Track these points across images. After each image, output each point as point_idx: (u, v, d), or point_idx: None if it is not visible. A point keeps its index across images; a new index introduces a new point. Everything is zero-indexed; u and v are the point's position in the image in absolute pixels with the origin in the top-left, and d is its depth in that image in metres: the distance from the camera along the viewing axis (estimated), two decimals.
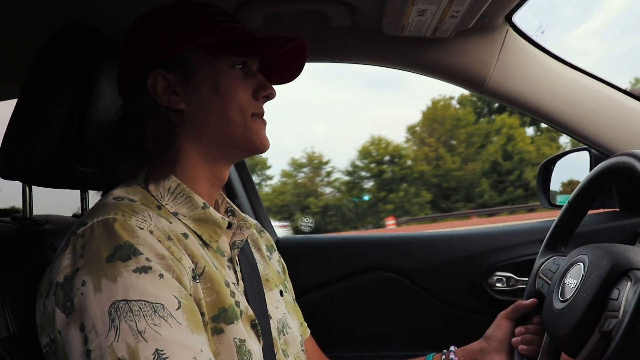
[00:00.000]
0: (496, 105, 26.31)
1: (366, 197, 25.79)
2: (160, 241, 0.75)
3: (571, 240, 1.07)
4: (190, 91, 0.87)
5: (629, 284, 0.75)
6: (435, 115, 27.09)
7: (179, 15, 0.88)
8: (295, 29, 1.35)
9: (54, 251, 0.79)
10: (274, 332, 0.91)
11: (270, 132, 0.93)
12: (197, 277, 0.77)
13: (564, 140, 25.72)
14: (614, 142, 1.37)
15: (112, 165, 0.88)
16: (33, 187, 1.00)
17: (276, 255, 1.10)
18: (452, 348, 1.10)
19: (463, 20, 1.20)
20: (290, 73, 1.01)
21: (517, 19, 1.32)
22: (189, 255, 0.78)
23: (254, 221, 1.06)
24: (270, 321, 0.91)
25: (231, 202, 0.99)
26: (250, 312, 0.83)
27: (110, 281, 0.69)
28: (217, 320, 0.77)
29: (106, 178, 0.91)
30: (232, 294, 0.81)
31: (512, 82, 1.37)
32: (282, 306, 0.99)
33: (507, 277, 1.53)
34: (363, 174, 26.82)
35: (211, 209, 0.86)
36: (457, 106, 27.80)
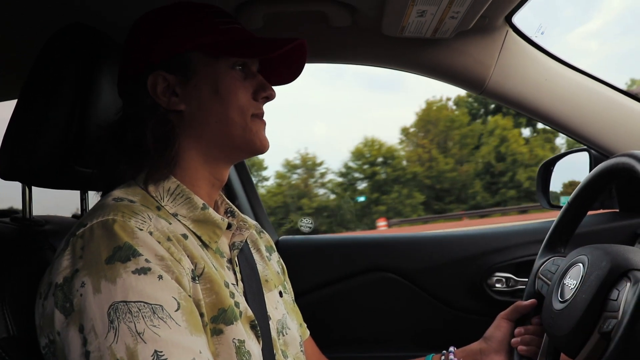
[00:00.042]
0: (492, 106, 26.37)
1: (360, 199, 25.81)
2: (159, 242, 0.75)
3: (571, 240, 1.07)
4: (190, 92, 0.87)
5: (628, 284, 0.75)
6: (429, 116, 27.13)
7: (179, 16, 0.88)
8: (295, 30, 1.36)
9: (54, 252, 0.79)
10: (274, 333, 0.91)
11: (269, 132, 0.93)
12: (197, 278, 0.77)
13: (560, 141, 25.84)
14: (614, 143, 1.37)
15: (111, 165, 0.88)
16: (32, 187, 1.00)
17: (275, 255, 1.10)
18: (451, 349, 1.10)
19: (463, 21, 1.20)
20: (290, 74, 1.01)
21: (517, 19, 1.32)
22: (188, 256, 0.78)
23: (254, 222, 1.06)
24: (270, 322, 0.91)
25: (231, 203, 0.99)
26: (250, 312, 0.83)
27: (110, 282, 0.69)
28: (217, 321, 0.77)
29: (106, 179, 0.91)
30: (232, 295, 0.81)
31: (511, 82, 1.37)
32: (282, 307, 0.99)
33: (507, 278, 1.53)
34: (356, 175, 26.90)
35: (211, 210, 0.86)
36: (454, 107, 27.89)
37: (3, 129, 0.95)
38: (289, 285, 1.10)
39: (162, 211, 0.83)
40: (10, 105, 0.96)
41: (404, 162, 26.62)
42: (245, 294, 0.88)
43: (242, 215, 0.98)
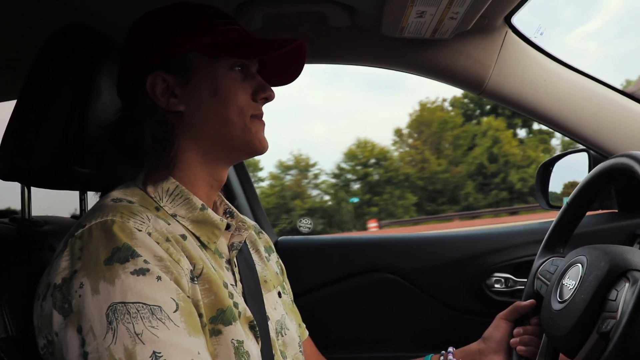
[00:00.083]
0: (488, 107, 26.39)
1: (353, 200, 25.81)
2: (158, 243, 0.75)
3: (570, 241, 1.07)
4: (189, 93, 0.87)
5: (627, 284, 0.75)
6: (422, 117, 27.15)
7: (180, 16, 0.88)
8: (295, 30, 1.36)
9: (53, 252, 0.79)
10: (272, 334, 0.91)
11: (268, 133, 0.94)
12: (195, 279, 0.77)
13: (555, 142, 25.88)
14: (613, 144, 1.37)
15: (110, 166, 0.88)
16: (30, 188, 1.00)
17: (274, 256, 1.10)
18: (450, 349, 1.11)
19: (462, 21, 1.20)
20: (289, 75, 1.01)
21: (516, 20, 1.32)
22: (187, 257, 0.78)
23: (253, 222, 1.06)
24: (269, 322, 0.91)
25: (229, 204, 0.99)
26: (249, 313, 0.83)
27: (108, 283, 0.69)
28: (215, 321, 0.77)
29: (105, 179, 0.91)
30: (231, 295, 0.81)
31: (511, 83, 1.37)
32: (281, 307, 0.99)
33: (506, 278, 1.53)
34: (349, 176, 26.91)
35: (209, 211, 0.86)
36: (450, 108, 27.92)
37: (2, 129, 0.95)
38: (287, 286, 1.10)
39: (161, 212, 0.83)
40: (9, 106, 0.96)
41: (397, 164, 26.64)
42: (244, 295, 0.88)
43: (241, 215, 0.98)
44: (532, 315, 1.04)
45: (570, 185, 1.61)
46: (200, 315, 0.76)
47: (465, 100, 27.27)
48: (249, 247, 1.00)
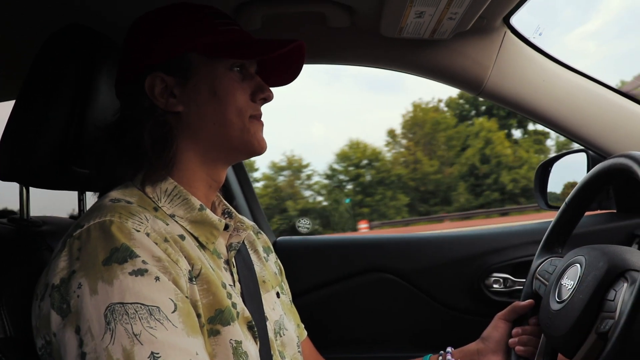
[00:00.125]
0: (483, 107, 26.41)
1: (347, 200, 25.82)
2: (156, 243, 0.75)
3: (568, 241, 1.07)
4: (188, 93, 0.87)
5: (625, 285, 0.75)
6: (415, 118, 27.17)
7: (180, 16, 0.89)
8: (294, 31, 1.36)
9: (51, 252, 0.79)
10: (271, 334, 0.91)
11: (266, 133, 0.94)
12: (194, 279, 0.77)
13: (550, 143, 25.92)
14: (611, 144, 1.38)
15: (109, 166, 0.88)
16: (29, 188, 1.00)
17: (273, 256, 1.10)
18: (449, 349, 1.11)
19: (461, 22, 1.20)
20: (288, 75, 1.01)
21: (515, 20, 1.33)
22: (185, 257, 0.78)
23: (251, 223, 1.06)
24: (267, 323, 0.91)
25: (228, 204, 0.99)
26: (247, 313, 0.83)
27: (107, 284, 0.69)
28: (214, 321, 0.77)
29: (103, 179, 0.91)
30: (229, 296, 0.81)
31: (509, 84, 1.37)
32: (279, 308, 0.99)
33: (505, 278, 1.53)
34: (342, 177, 26.91)
35: (208, 211, 0.86)
36: (445, 109, 27.92)
37: (1, 130, 0.95)
38: (286, 286, 1.10)
39: (159, 212, 0.83)
40: (8, 106, 0.96)
41: (389, 164, 26.64)
42: (242, 295, 0.88)
43: (240, 216, 0.98)
44: (531, 315, 1.04)
45: (570, 185, 1.61)
46: (198, 316, 0.76)
47: (461, 101, 27.29)
48: (247, 247, 1.00)
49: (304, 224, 2.14)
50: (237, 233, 0.94)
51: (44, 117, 0.92)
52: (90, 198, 0.94)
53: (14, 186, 1.00)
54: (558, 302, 0.87)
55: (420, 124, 26.90)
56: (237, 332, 0.79)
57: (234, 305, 0.81)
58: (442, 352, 1.12)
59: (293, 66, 0.99)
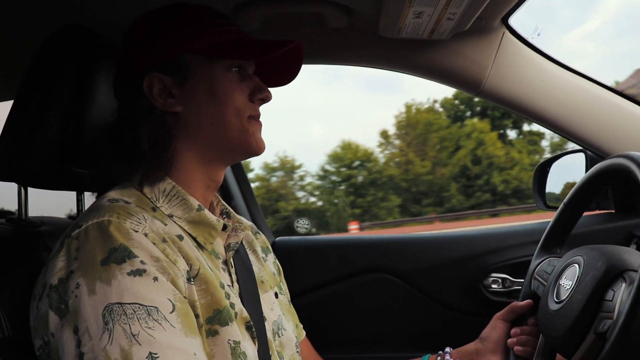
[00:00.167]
0: (478, 108, 26.42)
1: (345, 200, 25.81)
2: (155, 244, 0.75)
3: (567, 241, 1.07)
4: (187, 94, 0.86)
5: (623, 285, 0.75)
6: (408, 119, 27.18)
7: (179, 16, 0.88)
8: (292, 31, 1.36)
9: (50, 253, 0.79)
10: (269, 334, 0.91)
11: (264, 134, 0.94)
12: (192, 279, 0.77)
13: (544, 144, 25.96)
14: (610, 144, 1.38)
15: (107, 167, 0.88)
16: (27, 188, 1.00)
17: (271, 256, 1.10)
18: (447, 349, 1.11)
19: (460, 22, 1.21)
20: (286, 75, 1.01)
21: (513, 21, 1.33)
22: (183, 257, 0.78)
23: (250, 223, 1.06)
24: (265, 323, 0.91)
25: (226, 204, 0.99)
26: (245, 313, 0.83)
27: (105, 284, 0.69)
28: (212, 322, 0.77)
29: (102, 180, 0.90)
30: (227, 296, 0.81)
31: (508, 84, 1.37)
32: (277, 308, 0.99)
33: (503, 279, 1.54)
34: (334, 178, 26.89)
35: (206, 211, 0.86)
36: (441, 109, 27.90)
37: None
38: (284, 286, 1.10)
39: (158, 212, 0.83)
40: (7, 106, 0.96)
41: (381, 165, 26.63)
42: (240, 295, 0.88)
43: (238, 216, 0.98)
44: (529, 315, 1.04)
45: (570, 186, 1.61)
46: (196, 316, 0.76)
47: (456, 102, 27.30)
48: (245, 247, 1.00)
49: (302, 224, 2.14)
50: (235, 233, 0.93)
51: (43, 117, 0.92)
52: (89, 198, 0.94)
53: (13, 186, 1.00)
54: (556, 302, 0.87)
55: (412, 125, 26.91)
56: (236, 332, 0.79)
57: (232, 305, 0.81)
58: (440, 352, 1.12)
59: (292, 67, 0.99)
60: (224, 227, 0.89)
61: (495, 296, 1.54)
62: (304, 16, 1.30)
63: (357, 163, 26.56)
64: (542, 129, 25.60)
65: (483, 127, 25.31)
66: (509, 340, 1.03)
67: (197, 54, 0.86)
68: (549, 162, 1.62)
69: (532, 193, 1.64)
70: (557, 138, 24.76)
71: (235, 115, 0.87)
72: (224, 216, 0.97)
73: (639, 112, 1.37)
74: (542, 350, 0.96)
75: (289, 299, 1.11)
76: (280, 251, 1.59)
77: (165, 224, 0.80)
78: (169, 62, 0.86)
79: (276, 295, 1.01)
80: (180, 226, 0.83)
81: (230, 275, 0.89)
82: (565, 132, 1.41)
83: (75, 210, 1.13)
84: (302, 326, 1.12)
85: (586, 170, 1.39)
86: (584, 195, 1.00)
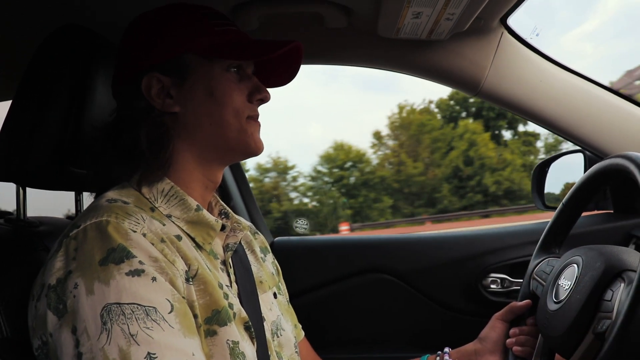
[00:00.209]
0: (473, 109, 26.43)
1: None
2: (153, 244, 0.75)
3: (565, 241, 1.07)
4: (185, 94, 0.86)
5: (622, 285, 0.75)
6: (401, 120, 27.19)
7: (179, 16, 0.88)
8: (291, 31, 1.36)
9: (48, 253, 0.79)
10: (268, 334, 0.91)
11: (263, 134, 0.94)
12: (190, 279, 0.77)
13: (539, 144, 25.98)
14: (608, 144, 1.38)
15: (106, 167, 0.88)
16: (26, 188, 1.00)
17: (270, 257, 1.10)
18: (446, 349, 1.11)
19: (458, 22, 1.21)
20: (285, 76, 1.01)
21: (512, 21, 1.33)
22: (182, 258, 0.78)
23: (248, 223, 1.05)
24: (264, 323, 0.91)
25: (225, 205, 0.99)
26: (244, 314, 0.83)
27: (103, 284, 0.69)
28: (210, 322, 0.77)
29: (100, 180, 0.90)
30: (226, 296, 0.81)
31: (507, 84, 1.37)
32: (276, 308, 0.99)
33: (502, 279, 1.54)
34: (326, 179, 26.87)
35: (204, 211, 0.86)
36: (436, 110, 27.89)
37: None
38: (283, 287, 1.10)
39: (156, 212, 0.83)
40: (5, 106, 0.96)
41: (373, 166, 26.61)
42: (239, 296, 0.88)
43: (236, 216, 0.98)
44: (528, 315, 1.04)
45: (570, 186, 1.61)
46: (195, 316, 0.76)
47: (451, 102, 27.29)
48: (244, 247, 1.00)
49: (301, 225, 2.13)
50: (233, 234, 0.93)
51: (41, 117, 0.92)
52: (88, 198, 0.94)
53: (11, 187, 1.00)
54: (555, 303, 0.87)
55: (405, 126, 26.91)
56: (234, 332, 0.79)
57: (230, 305, 0.81)
58: (439, 352, 1.12)
59: (291, 67, 0.99)
60: (223, 228, 0.89)
61: (494, 296, 1.54)
62: (303, 16, 1.30)
63: (349, 164, 26.54)
64: (537, 130, 25.70)
65: (475, 128, 25.28)
66: (508, 341, 1.03)
67: (197, 54, 0.86)
68: (548, 163, 1.62)
69: (531, 193, 1.64)
70: (551, 139, 24.86)
71: (234, 116, 0.87)
72: (223, 216, 0.97)
73: (637, 112, 1.37)
74: (541, 350, 0.96)
75: (288, 299, 1.11)
76: (279, 251, 1.59)
77: (164, 224, 0.80)
78: (168, 62, 0.86)
79: (275, 295, 1.01)
80: (178, 226, 0.83)
81: (228, 275, 0.89)
82: (564, 132, 1.41)
83: (73, 211, 1.13)
84: (301, 326, 1.12)
85: (585, 171, 1.39)
86: (582, 195, 1.01)
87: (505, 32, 1.35)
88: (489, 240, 1.59)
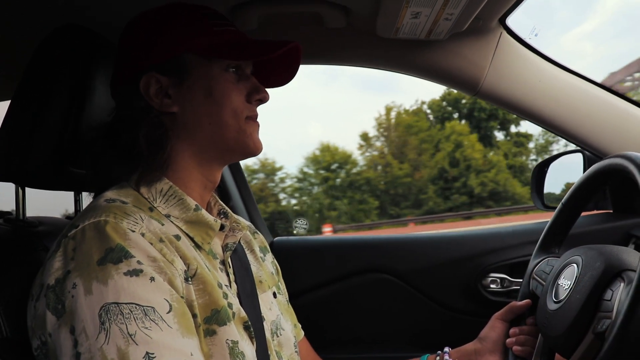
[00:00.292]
0: (465, 110, 26.42)
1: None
2: (152, 244, 0.75)
3: (565, 241, 1.07)
4: (184, 94, 0.86)
5: (622, 284, 0.75)
6: (389, 121, 27.17)
7: (179, 15, 0.88)
8: (290, 31, 1.36)
9: (47, 253, 0.79)
10: (268, 334, 0.91)
11: (262, 134, 0.93)
12: (189, 279, 0.77)
13: (531, 145, 25.99)
14: (607, 144, 1.38)
15: (105, 167, 0.88)
16: (25, 188, 1.00)
17: (270, 256, 1.10)
18: (446, 349, 1.11)
19: (457, 22, 1.21)
20: (284, 76, 1.01)
21: (511, 21, 1.33)
22: (181, 257, 0.78)
23: (247, 222, 1.05)
24: (264, 323, 0.91)
25: (224, 204, 0.99)
26: (243, 313, 0.83)
27: (101, 284, 0.69)
28: (210, 321, 0.77)
29: (99, 180, 0.90)
30: (225, 296, 0.81)
31: (506, 84, 1.38)
32: (276, 308, 0.99)
33: (502, 279, 1.54)
34: (312, 180, 26.85)
35: (203, 211, 0.86)
36: (428, 111, 27.86)
37: None
38: (283, 286, 1.10)
39: (155, 212, 0.82)
40: (5, 106, 0.96)
41: (360, 167, 26.59)
42: (238, 295, 0.87)
43: (235, 216, 0.98)
44: (528, 315, 1.04)
45: (570, 186, 1.61)
46: (194, 316, 0.76)
47: (443, 104, 27.25)
48: (244, 247, 1.00)
49: (300, 225, 2.13)
50: (232, 233, 0.93)
51: (41, 117, 0.91)
52: (87, 199, 0.94)
53: (10, 186, 1.00)
54: (555, 302, 0.87)
55: (393, 127, 26.90)
56: (233, 332, 0.79)
57: (230, 305, 0.80)
58: (439, 352, 1.12)
59: (290, 67, 0.99)
60: (222, 227, 0.89)
61: (494, 296, 1.54)
62: (302, 16, 1.30)
63: (335, 165, 26.50)
64: (529, 131, 25.74)
65: (462, 129, 25.25)
66: (508, 340, 1.03)
67: (196, 54, 0.86)
68: (547, 163, 1.62)
69: (530, 193, 1.64)
70: (542, 140, 24.88)
71: (233, 116, 0.87)
72: (222, 216, 0.97)
73: (636, 112, 1.37)
74: (540, 350, 0.96)
75: (288, 298, 1.11)
76: (278, 251, 1.59)
77: (163, 224, 0.80)
78: (168, 62, 0.86)
79: (274, 295, 1.01)
80: (177, 226, 0.83)
81: (228, 275, 0.89)
82: (563, 132, 1.41)
83: (72, 211, 1.13)
84: (300, 326, 1.12)
85: (584, 171, 1.39)
86: (582, 195, 1.01)
87: (504, 32, 1.35)
88: (488, 240, 1.59)
